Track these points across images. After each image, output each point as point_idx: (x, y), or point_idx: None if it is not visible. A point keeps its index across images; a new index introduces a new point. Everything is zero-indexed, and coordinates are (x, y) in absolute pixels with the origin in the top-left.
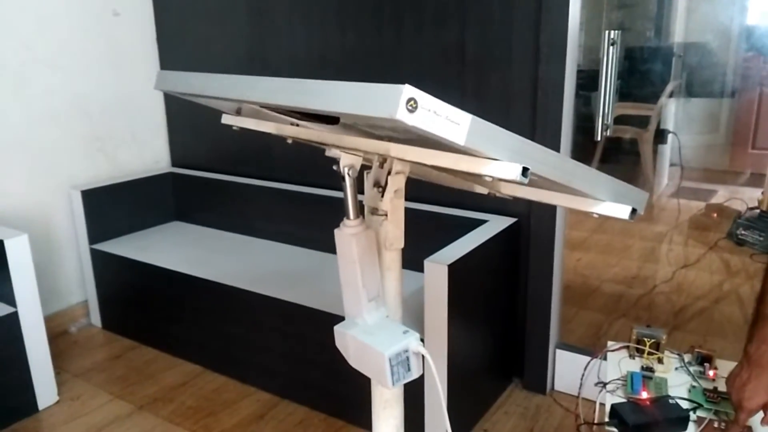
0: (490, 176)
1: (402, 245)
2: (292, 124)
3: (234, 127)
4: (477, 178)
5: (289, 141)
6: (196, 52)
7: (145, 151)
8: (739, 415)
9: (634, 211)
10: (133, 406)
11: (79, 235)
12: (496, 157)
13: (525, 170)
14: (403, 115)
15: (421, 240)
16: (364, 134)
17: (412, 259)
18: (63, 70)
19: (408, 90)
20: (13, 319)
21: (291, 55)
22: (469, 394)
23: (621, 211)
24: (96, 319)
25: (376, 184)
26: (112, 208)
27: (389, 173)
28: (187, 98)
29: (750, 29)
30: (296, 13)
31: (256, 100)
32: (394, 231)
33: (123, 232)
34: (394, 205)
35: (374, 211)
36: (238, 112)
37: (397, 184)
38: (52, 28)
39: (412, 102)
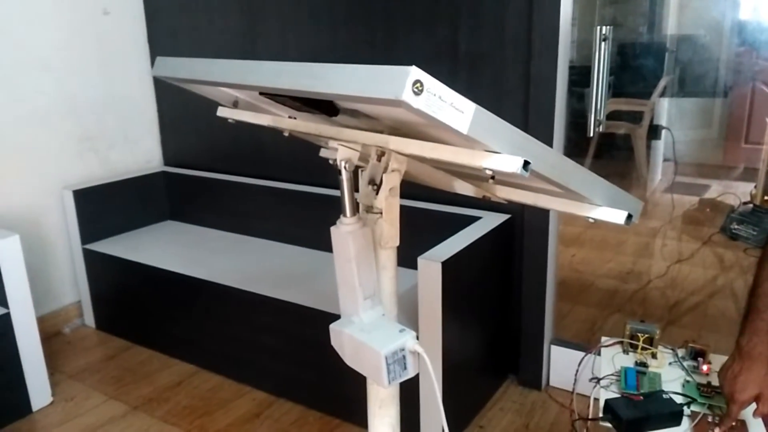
0: (491, 169)
1: (397, 243)
2: (289, 117)
3: (230, 120)
4: (474, 179)
5: (286, 134)
6: (187, 50)
7: (137, 151)
8: (731, 408)
9: (629, 216)
10: (128, 407)
11: (71, 236)
12: (497, 150)
13: (526, 164)
14: (408, 97)
15: (414, 237)
16: (362, 127)
17: (406, 256)
18: (53, 71)
19: (415, 71)
20: (5, 321)
21: (283, 53)
22: (465, 391)
23: (617, 216)
24: (89, 319)
25: (371, 182)
26: (104, 207)
27: (385, 170)
28: (186, 86)
29: (742, 24)
30: (288, 12)
31: (259, 84)
32: (389, 229)
33: (116, 232)
34: (389, 203)
35: (369, 209)
36: (235, 105)
37: (392, 182)
38: (42, 28)
39: (418, 84)
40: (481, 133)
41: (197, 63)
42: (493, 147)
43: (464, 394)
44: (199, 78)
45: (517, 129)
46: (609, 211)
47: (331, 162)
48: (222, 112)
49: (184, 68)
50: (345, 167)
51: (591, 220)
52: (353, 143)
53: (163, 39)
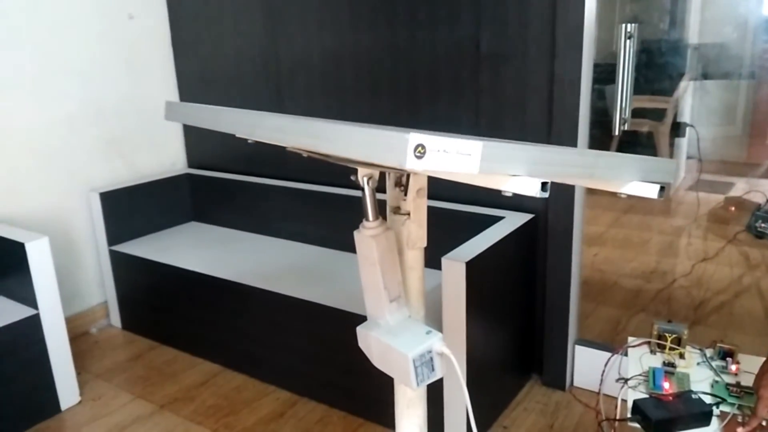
0: (510, 192)
1: (425, 244)
2: None
3: (249, 141)
4: None
5: (305, 155)
6: (211, 54)
7: (162, 153)
8: (758, 406)
9: (662, 189)
10: (155, 406)
11: (98, 237)
12: (514, 173)
13: (544, 184)
14: (412, 163)
15: (438, 237)
16: None
17: (430, 257)
18: (79, 75)
19: (414, 138)
20: (34, 321)
21: (305, 55)
22: (488, 391)
23: (649, 190)
24: (116, 319)
25: (398, 184)
26: (130, 209)
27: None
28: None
29: None
30: (309, 14)
31: (263, 139)
32: (417, 230)
33: (141, 234)
34: (416, 204)
35: (396, 210)
36: None
37: (419, 183)
38: (67, 32)
39: (420, 148)
40: (492, 166)
41: (205, 111)
42: (508, 172)
43: (488, 394)
44: (205, 126)
45: (530, 144)
46: (641, 185)
47: (353, 178)
48: (240, 133)
49: (192, 115)
50: (368, 184)
51: (623, 196)
52: (371, 165)
53: (186, 42)
